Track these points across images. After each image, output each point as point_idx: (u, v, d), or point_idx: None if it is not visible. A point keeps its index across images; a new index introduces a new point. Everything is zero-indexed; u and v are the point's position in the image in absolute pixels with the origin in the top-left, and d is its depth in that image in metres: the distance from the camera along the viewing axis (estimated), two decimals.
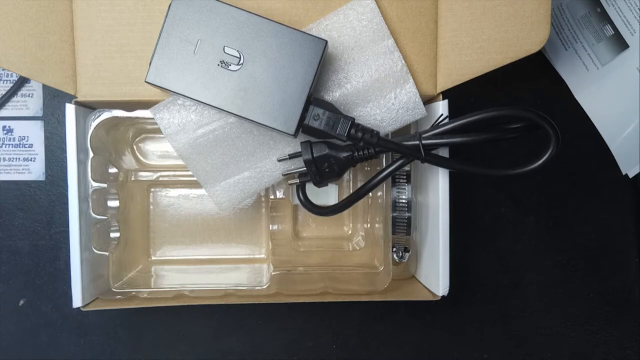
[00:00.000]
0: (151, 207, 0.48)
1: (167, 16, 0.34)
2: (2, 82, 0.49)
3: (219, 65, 0.34)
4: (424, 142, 0.36)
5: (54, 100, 0.50)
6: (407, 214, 0.44)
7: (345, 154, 0.37)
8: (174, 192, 0.48)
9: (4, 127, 0.50)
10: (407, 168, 0.44)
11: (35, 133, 0.50)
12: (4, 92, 0.49)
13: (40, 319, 0.49)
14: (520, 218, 0.52)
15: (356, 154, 0.37)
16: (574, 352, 0.52)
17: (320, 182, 0.38)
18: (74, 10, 0.37)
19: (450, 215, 0.39)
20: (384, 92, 0.38)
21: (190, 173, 0.39)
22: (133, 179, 0.46)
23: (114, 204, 0.43)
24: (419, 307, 0.51)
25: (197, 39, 0.34)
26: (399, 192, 0.44)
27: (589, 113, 0.51)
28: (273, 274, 0.43)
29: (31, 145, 0.50)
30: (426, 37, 0.38)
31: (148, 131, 0.46)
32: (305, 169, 0.38)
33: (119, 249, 0.43)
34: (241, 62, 0.34)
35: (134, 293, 0.41)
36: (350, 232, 0.49)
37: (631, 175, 0.51)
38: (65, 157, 0.39)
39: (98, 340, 0.49)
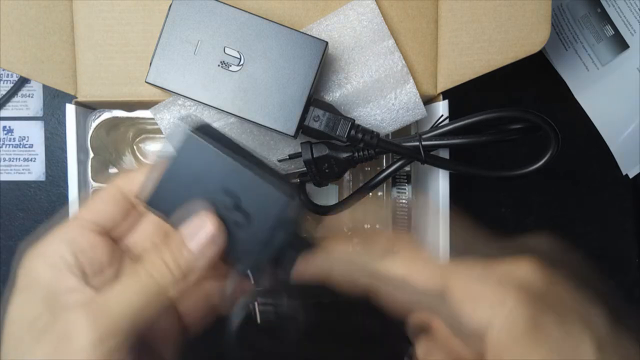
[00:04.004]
0: None
1: (167, 16, 0.34)
2: (2, 82, 0.49)
3: (219, 65, 0.34)
4: (423, 143, 0.36)
5: (54, 100, 0.50)
6: (407, 214, 0.44)
7: (345, 155, 0.37)
8: None
9: (4, 127, 0.50)
10: (407, 168, 0.44)
11: (35, 133, 0.50)
12: (4, 92, 0.49)
13: None
14: (520, 218, 0.52)
15: (356, 154, 0.37)
16: None
17: (320, 182, 0.38)
18: (74, 10, 0.37)
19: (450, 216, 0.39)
20: (384, 92, 0.38)
21: None
22: None
23: None
24: None
25: (198, 40, 0.34)
26: (399, 192, 0.44)
27: (589, 113, 0.51)
28: None
29: (31, 145, 0.50)
30: (426, 37, 0.38)
31: (148, 131, 0.46)
32: (305, 169, 0.38)
33: None
34: (241, 62, 0.34)
35: None
36: (350, 232, 0.49)
37: (631, 175, 0.51)
38: (65, 157, 0.39)
39: None
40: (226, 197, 0.27)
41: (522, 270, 0.25)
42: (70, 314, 0.24)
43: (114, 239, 0.29)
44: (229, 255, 0.28)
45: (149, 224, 0.30)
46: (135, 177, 0.29)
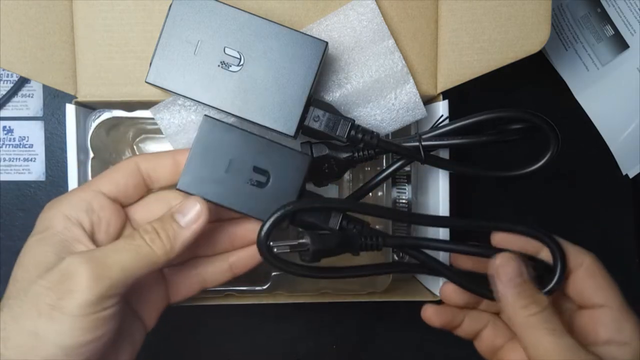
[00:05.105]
0: None
1: (167, 16, 0.34)
2: (2, 82, 0.49)
3: (219, 65, 0.34)
4: (423, 143, 0.36)
5: (54, 100, 0.50)
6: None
7: (345, 155, 0.37)
8: None
9: (4, 127, 0.50)
10: (407, 168, 0.44)
11: (35, 133, 0.50)
12: (4, 92, 0.49)
13: None
14: (520, 218, 0.52)
15: (356, 154, 0.37)
16: None
17: (320, 182, 0.38)
18: (74, 10, 0.37)
19: (450, 216, 0.39)
20: (384, 92, 0.38)
21: None
22: None
23: None
24: (419, 307, 0.51)
25: (198, 40, 0.34)
26: (399, 192, 0.44)
27: (589, 113, 0.51)
28: (273, 274, 0.43)
29: (31, 145, 0.50)
30: (426, 37, 0.38)
31: (148, 131, 0.46)
32: None
33: None
34: (241, 62, 0.34)
35: None
36: None
37: (631, 175, 0.51)
38: (65, 157, 0.39)
39: None
40: (250, 165, 0.33)
41: None
42: (74, 258, 0.29)
43: (122, 205, 0.33)
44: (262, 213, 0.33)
45: (159, 205, 0.34)
46: (152, 156, 0.34)
